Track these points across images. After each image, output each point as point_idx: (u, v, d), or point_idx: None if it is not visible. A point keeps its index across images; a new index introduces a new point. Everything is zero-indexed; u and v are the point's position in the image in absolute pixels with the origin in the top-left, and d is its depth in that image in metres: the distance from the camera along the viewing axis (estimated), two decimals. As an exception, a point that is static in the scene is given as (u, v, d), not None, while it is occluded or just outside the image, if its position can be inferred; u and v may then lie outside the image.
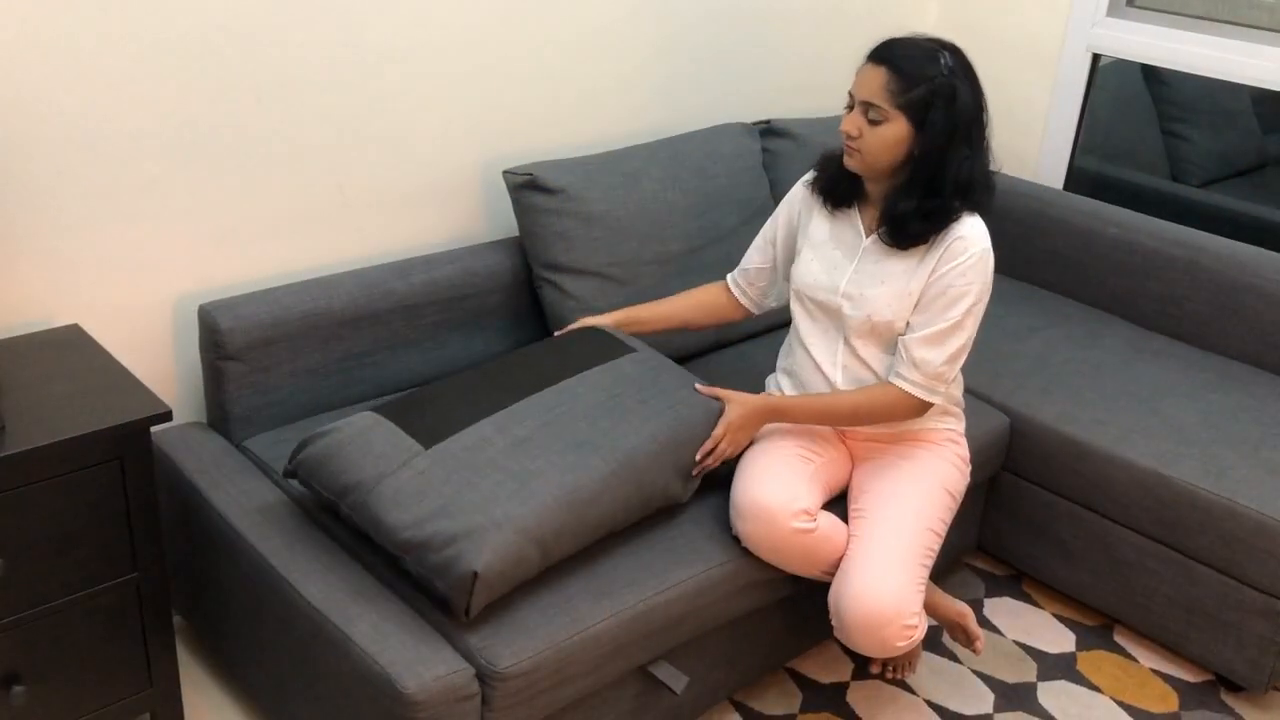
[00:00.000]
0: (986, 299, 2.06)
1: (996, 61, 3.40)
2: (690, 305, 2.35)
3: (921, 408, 2.08)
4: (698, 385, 2.12)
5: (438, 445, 1.87)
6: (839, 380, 2.15)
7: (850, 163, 2.05)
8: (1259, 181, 3.41)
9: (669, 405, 2.06)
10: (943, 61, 1.97)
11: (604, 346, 2.16)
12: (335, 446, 1.90)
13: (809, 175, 2.22)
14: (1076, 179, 3.39)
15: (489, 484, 1.83)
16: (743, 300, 2.35)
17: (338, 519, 1.99)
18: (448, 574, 1.75)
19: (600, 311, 2.40)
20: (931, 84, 1.95)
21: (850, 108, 2.03)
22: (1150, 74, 3.38)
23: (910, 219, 2.01)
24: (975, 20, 3.43)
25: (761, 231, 2.32)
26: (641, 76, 2.82)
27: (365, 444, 1.88)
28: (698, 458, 2.06)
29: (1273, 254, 2.81)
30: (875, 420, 2.10)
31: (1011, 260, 3.24)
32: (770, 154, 2.87)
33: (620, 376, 2.08)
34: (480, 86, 2.52)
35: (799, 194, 2.24)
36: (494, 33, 2.50)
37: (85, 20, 1.95)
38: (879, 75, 1.97)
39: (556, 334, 2.25)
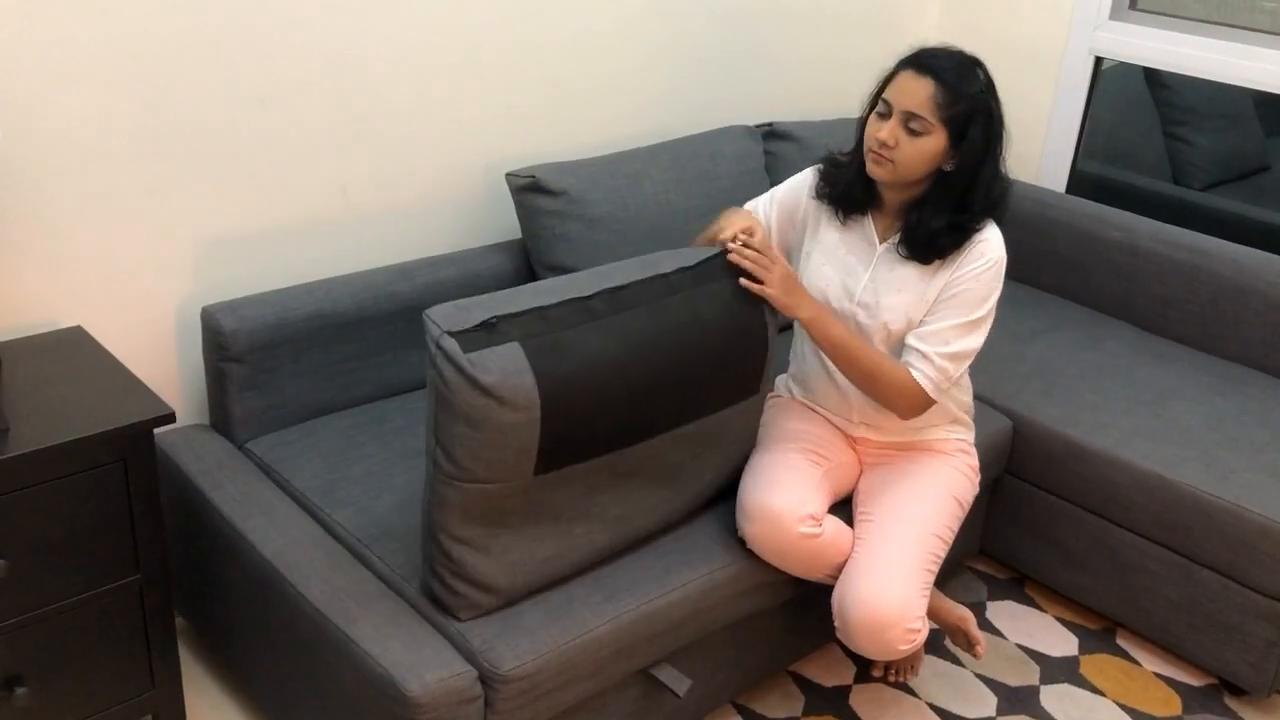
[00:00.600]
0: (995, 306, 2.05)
1: (998, 64, 3.37)
2: None
3: (924, 404, 2.05)
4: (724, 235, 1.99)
5: (546, 474, 1.75)
6: (850, 394, 2.15)
7: (878, 171, 2.00)
8: (1261, 185, 3.41)
9: (723, 476, 2.09)
10: (980, 77, 1.97)
11: (742, 384, 1.98)
12: (484, 422, 1.65)
13: (815, 181, 2.18)
14: (1079, 182, 3.39)
15: (534, 539, 1.80)
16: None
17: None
18: (446, 593, 1.79)
19: None
20: (973, 100, 1.94)
21: (883, 115, 1.98)
22: (1152, 77, 3.38)
23: (939, 235, 2.00)
24: (977, 23, 3.43)
25: (762, 202, 2.23)
26: (644, 79, 2.82)
27: (503, 445, 1.68)
28: (733, 241, 1.95)
29: (1275, 257, 2.81)
30: (876, 392, 2.04)
31: (1014, 263, 3.24)
32: (772, 156, 2.87)
33: (719, 433, 2.00)
34: (483, 89, 2.52)
35: (806, 197, 2.19)
36: (497, 35, 2.50)
37: (89, 22, 1.95)
38: (925, 86, 1.93)
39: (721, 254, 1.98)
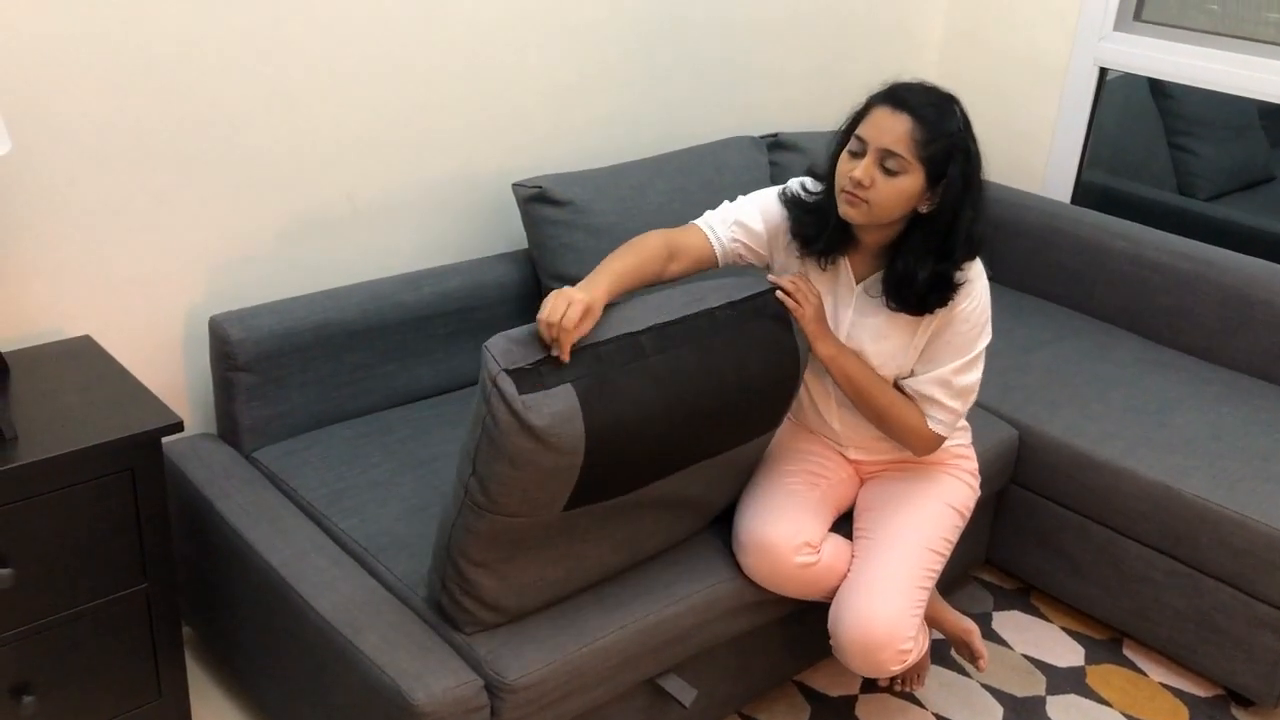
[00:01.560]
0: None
1: (1003, 76, 3.41)
2: (653, 259, 1.96)
3: (937, 444, 2.05)
4: (771, 277, 1.95)
5: (573, 510, 1.73)
6: (836, 424, 2.14)
7: (852, 213, 1.88)
8: (1267, 195, 3.41)
9: (724, 505, 2.10)
10: (958, 114, 1.87)
11: (765, 420, 1.94)
12: (527, 464, 1.63)
13: (791, 220, 2.02)
14: (1084, 193, 3.39)
15: (547, 563, 1.80)
16: (719, 251, 2.06)
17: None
18: (454, 608, 1.79)
19: None
20: (951, 139, 1.84)
21: (855, 153, 1.87)
22: (1157, 88, 3.38)
23: (928, 289, 1.90)
24: (982, 35, 3.44)
25: (749, 214, 2.06)
26: (650, 89, 2.83)
27: (541, 486, 1.67)
28: (781, 285, 1.91)
29: (1280, 267, 2.82)
30: (889, 430, 2.05)
31: (1019, 274, 3.24)
32: (777, 167, 2.88)
33: (733, 466, 1.99)
34: (490, 99, 2.53)
35: (783, 228, 2.05)
36: (504, 47, 2.51)
37: (97, 33, 1.97)
38: (902, 123, 1.83)
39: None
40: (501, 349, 1.64)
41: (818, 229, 1.99)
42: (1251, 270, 2.82)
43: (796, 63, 3.15)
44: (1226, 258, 2.87)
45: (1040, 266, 3.19)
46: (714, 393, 1.80)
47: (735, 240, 2.05)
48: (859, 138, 1.88)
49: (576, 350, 1.67)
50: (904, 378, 2.03)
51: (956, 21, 3.49)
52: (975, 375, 2.02)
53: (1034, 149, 3.40)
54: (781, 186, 2.09)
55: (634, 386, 1.71)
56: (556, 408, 1.62)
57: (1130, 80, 3.33)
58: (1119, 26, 3.20)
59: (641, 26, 2.75)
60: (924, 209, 1.89)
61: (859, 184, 1.85)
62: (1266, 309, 2.79)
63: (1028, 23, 3.34)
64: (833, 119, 3.25)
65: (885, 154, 1.84)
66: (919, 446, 2.05)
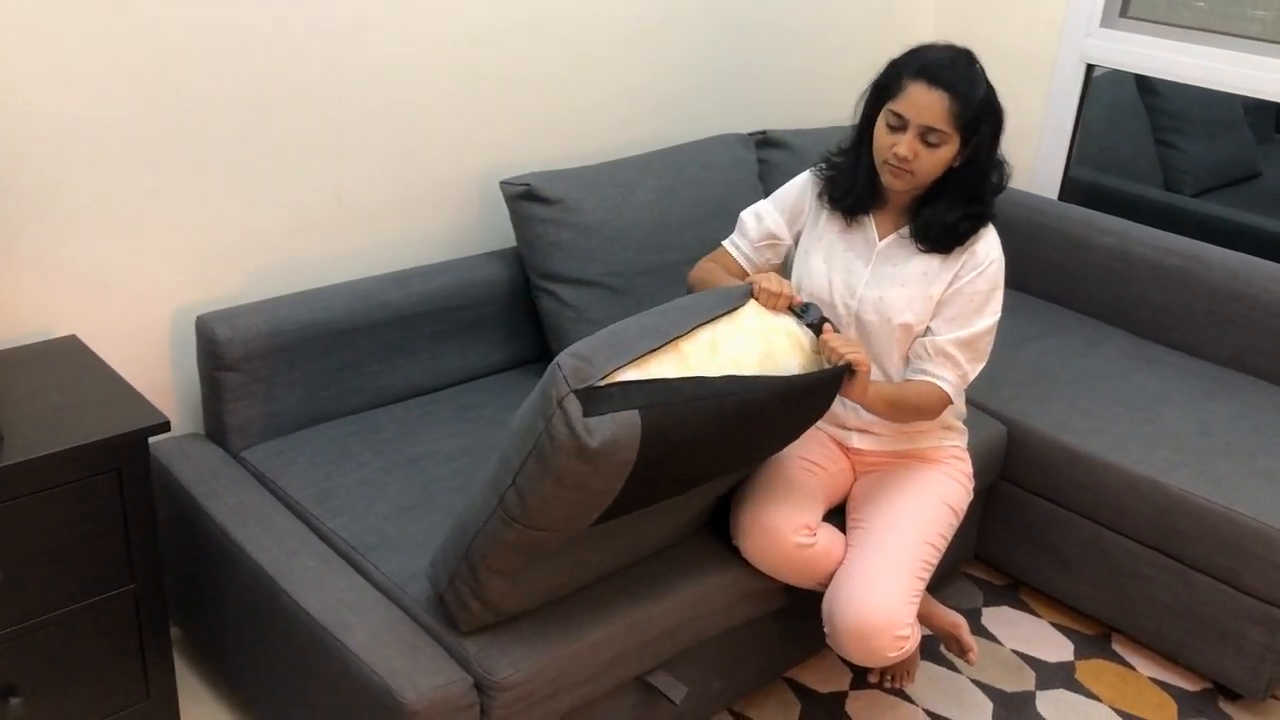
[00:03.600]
0: None
1: (991, 72, 3.40)
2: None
3: (944, 408, 2.09)
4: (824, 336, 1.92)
5: (595, 527, 1.74)
6: (838, 405, 2.15)
7: (898, 183, 2.01)
8: (1253, 190, 3.43)
9: (713, 504, 2.09)
10: (980, 74, 2.00)
11: (794, 435, 1.96)
12: (575, 484, 1.61)
13: (815, 183, 2.18)
14: (1071, 189, 3.40)
15: (554, 570, 1.80)
16: (748, 268, 2.22)
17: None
18: (457, 606, 1.78)
19: (599, 323, 2.41)
20: (982, 104, 1.98)
21: (895, 128, 1.97)
22: (1144, 84, 3.39)
23: (957, 225, 2.03)
24: (970, 31, 3.44)
25: (763, 208, 2.22)
26: (637, 87, 2.83)
27: (580, 506, 1.65)
28: (833, 345, 1.89)
29: (1267, 262, 2.82)
30: (912, 417, 2.08)
31: (1008, 270, 3.19)
32: (766, 164, 2.88)
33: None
34: (477, 97, 2.53)
35: (810, 196, 2.19)
36: (491, 44, 2.51)
37: (84, 32, 1.96)
38: (940, 100, 1.93)
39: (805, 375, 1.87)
40: (572, 368, 1.58)
41: (846, 188, 2.12)
42: (1238, 266, 2.83)
43: (785, 60, 3.15)
44: (1213, 253, 2.88)
45: (1028, 262, 3.20)
46: (763, 427, 1.80)
47: (763, 247, 2.22)
48: (896, 114, 1.97)
49: (647, 381, 1.63)
50: (919, 335, 2.07)
51: (945, 18, 3.50)
52: (989, 344, 2.09)
53: (1021, 145, 3.41)
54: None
55: (697, 416, 1.66)
56: (617, 433, 1.57)
57: (1117, 77, 3.34)
58: (1105, 23, 3.21)
59: (629, 25, 2.74)
60: (956, 164, 2.01)
61: (902, 159, 1.97)
62: (1253, 304, 2.80)
63: (1015, 20, 3.34)
64: (821, 117, 3.28)
65: (927, 130, 1.95)
66: (931, 414, 2.09)
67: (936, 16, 3.51)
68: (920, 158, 1.97)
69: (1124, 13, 3.21)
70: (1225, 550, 2.32)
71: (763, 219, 2.22)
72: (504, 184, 2.47)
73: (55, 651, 1.86)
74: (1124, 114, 3.45)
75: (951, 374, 2.06)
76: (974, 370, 2.09)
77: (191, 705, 2.22)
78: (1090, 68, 3.27)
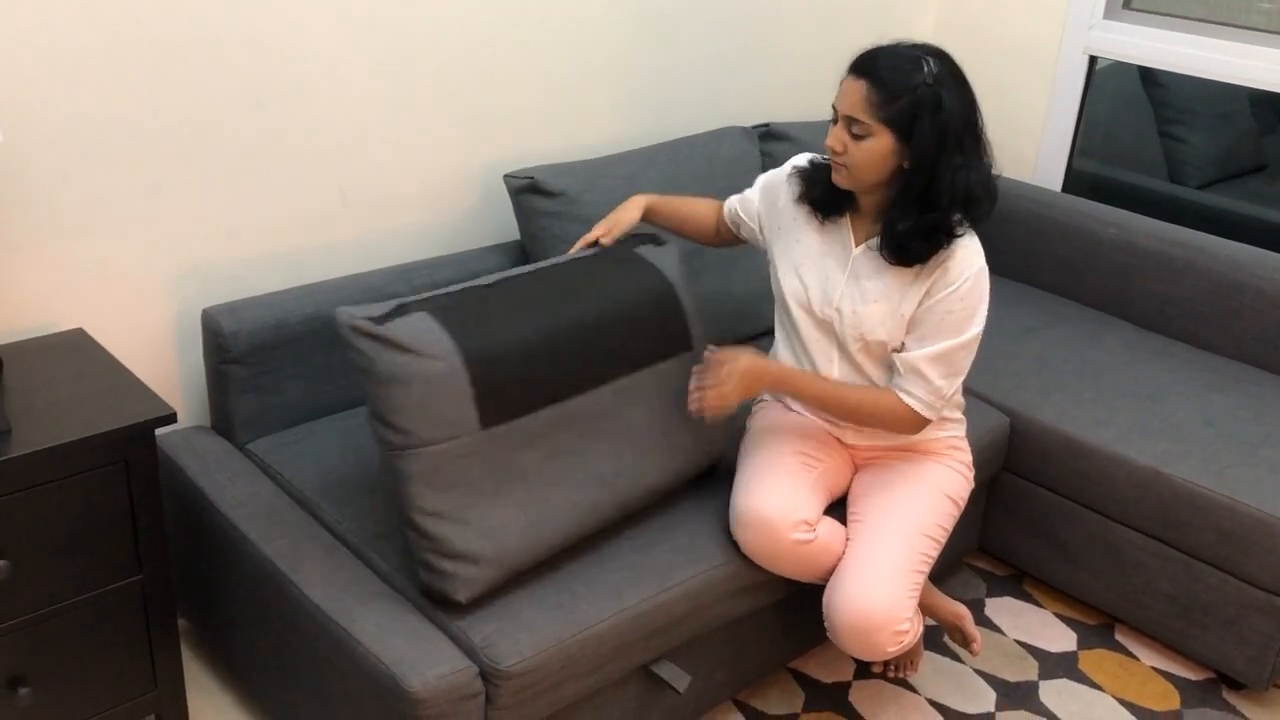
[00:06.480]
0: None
1: (994, 64, 3.42)
2: (694, 214, 2.31)
3: (920, 424, 2.05)
4: (709, 350, 2.03)
5: (493, 428, 1.81)
6: None
7: (838, 179, 2.00)
8: (1257, 182, 3.43)
9: (694, 440, 2.12)
10: (926, 69, 1.90)
11: (668, 338, 2.07)
12: (409, 376, 1.75)
13: (793, 183, 2.16)
14: (1075, 181, 3.40)
15: (510, 504, 1.84)
16: (729, 227, 2.30)
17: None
18: (434, 578, 1.81)
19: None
20: (914, 94, 1.88)
21: (834, 121, 1.98)
22: (1147, 76, 3.39)
23: (911, 237, 1.94)
24: (973, 23, 3.44)
25: (750, 193, 2.27)
26: (641, 80, 2.84)
27: (434, 395, 1.76)
28: (692, 393, 2.00)
29: (1270, 254, 2.82)
30: (871, 425, 2.08)
31: (1011, 262, 3.25)
32: (769, 157, 2.88)
33: (667, 389, 2.06)
34: (481, 90, 2.54)
35: (784, 199, 2.17)
36: (495, 37, 2.52)
37: (89, 25, 1.97)
38: (859, 88, 1.91)
39: (620, 246, 2.17)
40: (348, 311, 1.79)
41: (814, 179, 2.11)
42: (1242, 257, 2.83)
43: (787, 53, 3.16)
44: (1217, 245, 2.88)
45: (1031, 254, 3.20)
46: (583, 306, 1.97)
47: (733, 209, 2.28)
48: (833, 107, 1.98)
49: (425, 298, 1.86)
50: (895, 350, 2.04)
51: (947, 11, 3.50)
52: (968, 358, 2.03)
53: (1025, 137, 3.41)
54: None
55: (494, 305, 1.89)
56: (415, 325, 1.79)
57: (1120, 68, 3.34)
58: (1109, 15, 3.21)
59: (633, 18, 2.75)
60: (906, 165, 1.95)
61: (834, 151, 1.97)
62: (1257, 296, 2.80)
63: (1018, 11, 3.34)
64: (824, 108, 3.28)
65: (849, 120, 1.94)
66: (903, 428, 2.06)
67: (939, 8, 3.51)
68: (850, 151, 1.94)
69: (1127, 4, 3.21)
70: (1228, 540, 2.32)
71: (747, 196, 2.27)
72: (507, 177, 2.48)
73: (63, 642, 1.87)
74: (1128, 106, 3.45)
75: (921, 390, 2.01)
76: (949, 386, 2.03)
77: (198, 695, 2.23)
78: (1093, 59, 3.27)
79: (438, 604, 1.84)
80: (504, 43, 2.54)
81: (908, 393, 2.02)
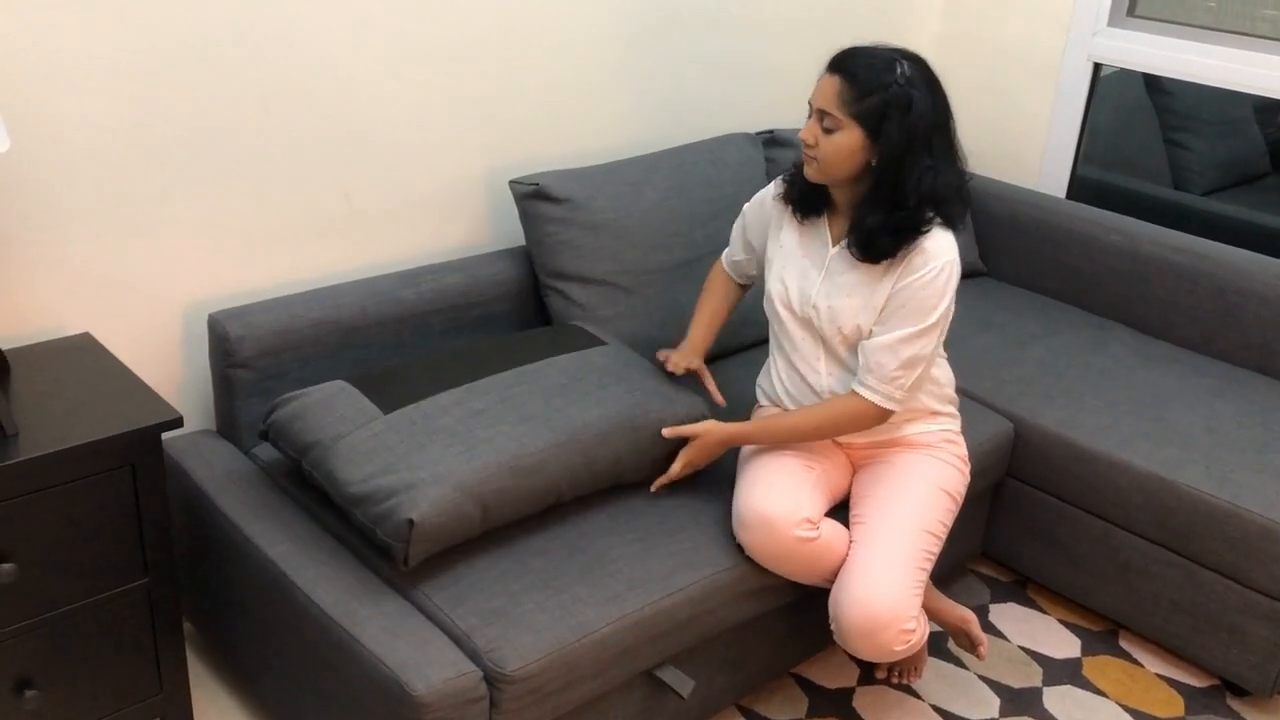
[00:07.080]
0: (951, 311, 2.05)
1: (998, 71, 3.43)
2: (722, 304, 2.37)
3: (882, 415, 2.07)
4: (665, 431, 2.12)
5: (396, 411, 1.97)
6: (833, 385, 2.15)
7: (808, 171, 2.05)
8: (1262, 190, 3.43)
9: (628, 391, 2.13)
10: (899, 71, 1.95)
11: (576, 337, 2.24)
12: (302, 409, 2.01)
13: (777, 185, 2.22)
14: (1079, 188, 3.40)
15: (437, 446, 1.91)
16: (741, 281, 2.39)
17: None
18: (387, 523, 1.84)
19: (607, 321, 2.43)
20: (885, 93, 1.93)
21: (810, 116, 2.03)
22: (1152, 83, 3.39)
23: (879, 233, 1.99)
24: (977, 30, 3.45)
25: (735, 228, 2.33)
26: (646, 87, 2.84)
27: (329, 407, 1.99)
28: (653, 489, 2.16)
29: (1274, 260, 2.82)
30: (841, 432, 2.11)
31: (1015, 268, 3.26)
32: (774, 163, 2.89)
33: (585, 364, 2.17)
34: (487, 97, 2.55)
35: (769, 202, 2.23)
36: (501, 43, 2.53)
37: (97, 33, 1.98)
38: (833, 84, 1.97)
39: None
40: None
41: (797, 190, 2.16)
42: (1246, 264, 2.83)
43: (792, 59, 3.16)
44: (1222, 251, 2.88)
45: (1036, 261, 3.21)
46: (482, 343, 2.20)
47: (732, 262, 2.36)
48: (809, 102, 2.04)
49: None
50: (865, 339, 2.07)
51: (951, 18, 3.50)
52: (925, 347, 2.03)
53: (1029, 144, 3.41)
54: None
55: (401, 369, 2.10)
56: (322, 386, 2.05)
57: (1125, 75, 3.34)
58: (1113, 22, 3.22)
59: (638, 24, 2.76)
60: (874, 162, 1.99)
61: (806, 143, 2.02)
62: (1261, 302, 2.80)
63: (1022, 19, 3.35)
64: (828, 115, 3.29)
65: (821, 114, 1.99)
66: (868, 423, 2.09)
67: (944, 14, 3.52)
68: (820, 144, 1.99)
69: (1131, 11, 3.22)
70: (1232, 547, 2.32)
71: (737, 239, 2.33)
72: (513, 183, 2.49)
73: (70, 645, 1.88)
74: (1132, 113, 3.45)
75: (875, 380, 2.02)
76: (907, 376, 2.02)
77: (204, 698, 2.24)
78: (1098, 66, 3.27)
79: (404, 559, 1.84)
80: (511, 49, 2.55)
81: (864, 385, 2.04)
